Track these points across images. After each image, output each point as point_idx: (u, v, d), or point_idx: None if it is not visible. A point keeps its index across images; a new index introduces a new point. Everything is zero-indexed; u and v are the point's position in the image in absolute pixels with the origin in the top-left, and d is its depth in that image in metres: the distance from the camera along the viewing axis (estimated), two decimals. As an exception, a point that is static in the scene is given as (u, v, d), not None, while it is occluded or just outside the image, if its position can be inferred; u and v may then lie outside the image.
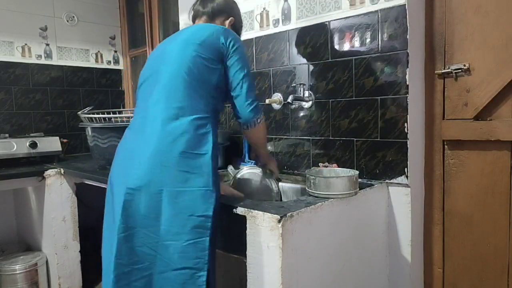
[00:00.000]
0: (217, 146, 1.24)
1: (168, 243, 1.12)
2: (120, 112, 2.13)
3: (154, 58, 1.35)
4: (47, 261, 2.20)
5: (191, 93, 1.21)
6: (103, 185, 1.84)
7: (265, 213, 1.08)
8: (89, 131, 1.99)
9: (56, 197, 2.10)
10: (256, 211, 1.11)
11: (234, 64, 1.27)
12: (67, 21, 2.75)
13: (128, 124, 1.37)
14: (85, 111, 2.03)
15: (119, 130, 1.83)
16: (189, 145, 1.15)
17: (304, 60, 1.71)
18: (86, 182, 2.02)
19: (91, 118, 1.96)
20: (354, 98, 1.55)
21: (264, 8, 1.86)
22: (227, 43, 1.26)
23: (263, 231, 1.08)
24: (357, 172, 1.31)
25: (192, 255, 1.11)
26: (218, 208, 1.17)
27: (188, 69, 1.21)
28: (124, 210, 1.14)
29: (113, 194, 1.21)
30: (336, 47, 1.59)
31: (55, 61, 2.71)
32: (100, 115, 1.94)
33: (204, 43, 1.24)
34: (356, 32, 1.52)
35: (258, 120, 1.32)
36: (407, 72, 1.39)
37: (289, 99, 1.63)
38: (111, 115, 1.97)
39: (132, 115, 2.10)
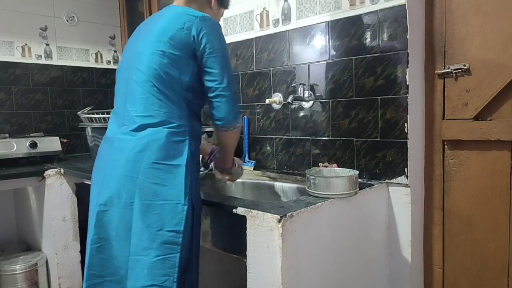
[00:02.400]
0: (196, 155, 1.18)
1: (137, 257, 1.08)
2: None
3: (126, 55, 1.26)
4: (47, 261, 2.20)
5: (162, 98, 1.13)
6: (103, 185, 1.84)
7: (265, 213, 1.08)
8: (89, 131, 2.00)
9: (56, 197, 2.10)
10: (256, 211, 1.11)
11: (210, 61, 1.13)
12: (67, 21, 2.74)
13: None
14: (85, 111, 2.03)
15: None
16: (161, 155, 1.09)
17: (304, 60, 1.71)
18: (86, 182, 2.02)
19: (91, 118, 1.96)
20: (354, 98, 1.55)
21: (264, 8, 1.86)
22: (200, 37, 1.12)
23: (263, 231, 1.08)
24: (357, 172, 1.31)
25: (160, 272, 1.07)
26: (196, 221, 1.13)
27: (156, 73, 1.12)
28: (97, 221, 1.13)
29: (90, 202, 1.20)
30: (336, 47, 1.59)
31: (55, 61, 2.70)
32: (100, 115, 1.94)
33: (174, 39, 1.12)
34: (356, 32, 1.52)
35: (238, 124, 1.21)
36: (407, 72, 1.39)
37: (289, 99, 1.63)
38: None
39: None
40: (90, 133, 1.99)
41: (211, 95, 1.16)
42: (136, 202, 1.09)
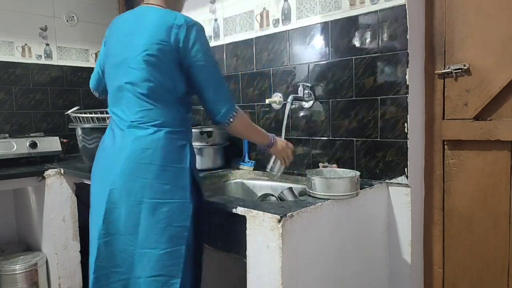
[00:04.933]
0: (194, 157, 1.28)
1: (145, 251, 1.15)
2: (107, 112, 2.11)
3: (111, 59, 1.27)
4: (47, 261, 2.20)
5: (159, 107, 1.19)
6: (103, 185, 1.84)
7: (265, 213, 1.08)
8: (79, 131, 1.99)
9: (56, 197, 2.10)
10: (256, 211, 1.11)
11: (196, 65, 1.19)
12: (67, 21, 2.74)
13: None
14: (74, 111, 2.01)
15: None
16: (168, 158, 1.17)
17: (304, 60, 1.71)
18: (86, 182, 2.02)
19: (79, 118, 1.95)
20: (354, 98, 1.55)
21: (264, 8, 1.86)
22: (189, 46, 1.17)
23: (263, 231, 1.08)
24: (359, 173, 1.30)
25: (167, 263, 1.15)
26: (197, 217, 1.23)
27: (151, 87, 1.17)
28: (106, 217, 1.18)
29: (95, 199, 1.26)
30: (336, 47, 1.59)
31: (55, 61, 2.70)
32: (88, 115, 1.93)
33: (163, 51, 1.16)
34: (356, 32, 1.52)
35: (231, 119, 1.25)
36: (407, 72, 1.39)
37: (289, 99, 1.63)
38: (99, 115, 1.95)
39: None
40: (79, 133, 1.98)
41: (202, 96, 1.24)
42: (145, 201, 1.15)
